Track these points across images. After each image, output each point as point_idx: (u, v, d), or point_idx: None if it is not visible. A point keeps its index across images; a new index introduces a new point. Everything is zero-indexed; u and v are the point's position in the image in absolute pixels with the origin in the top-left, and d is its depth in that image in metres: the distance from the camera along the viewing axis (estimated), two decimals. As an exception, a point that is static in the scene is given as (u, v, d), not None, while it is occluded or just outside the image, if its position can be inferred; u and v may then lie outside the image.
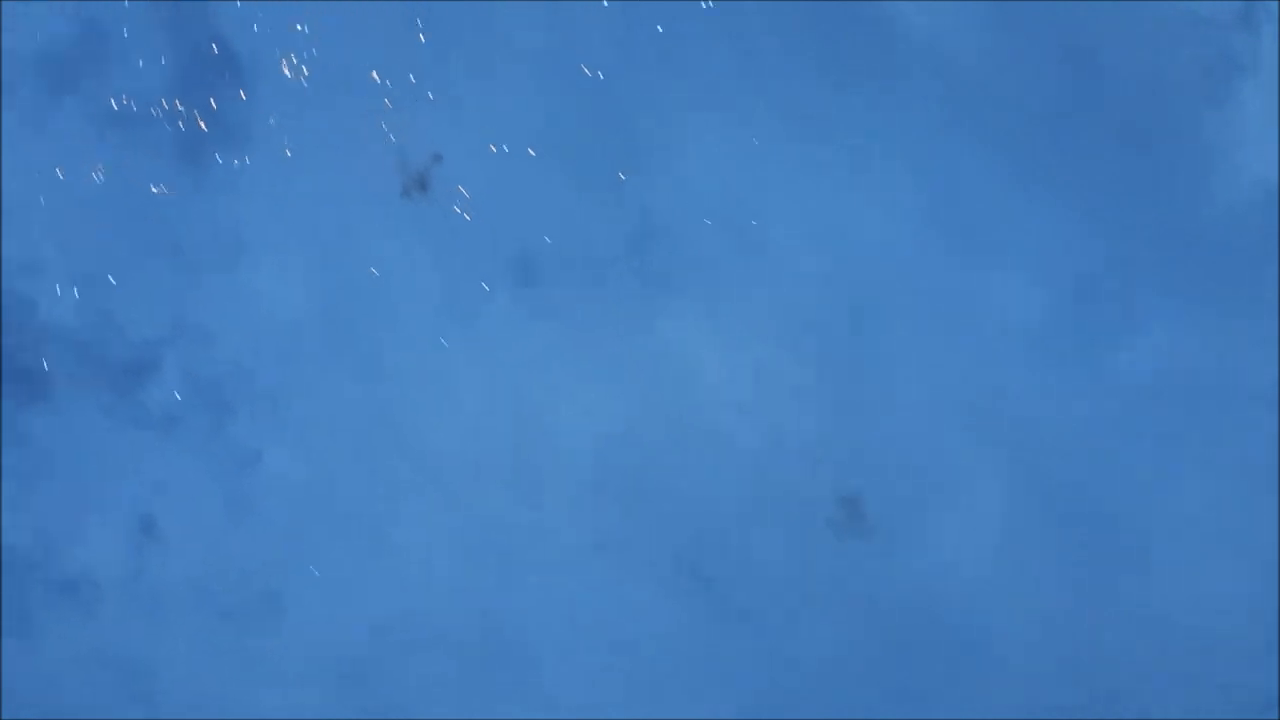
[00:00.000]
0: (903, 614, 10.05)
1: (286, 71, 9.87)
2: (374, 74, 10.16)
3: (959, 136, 10.58)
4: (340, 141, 10.20)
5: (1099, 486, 10.25)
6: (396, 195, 10.03)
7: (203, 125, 9.82)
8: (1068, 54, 10.64)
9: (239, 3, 10.23)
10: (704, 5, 10.37)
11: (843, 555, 10.04)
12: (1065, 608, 10.14)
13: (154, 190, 9.80)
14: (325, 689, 9.49)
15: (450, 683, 9.80)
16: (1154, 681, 9.89)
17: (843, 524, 10.10)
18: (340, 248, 9.96)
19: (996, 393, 10.37)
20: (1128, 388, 10.24)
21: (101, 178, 9.88)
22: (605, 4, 10.22)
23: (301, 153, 10.01)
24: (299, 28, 10.21)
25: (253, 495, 9.65)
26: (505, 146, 10.19)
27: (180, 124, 9.90)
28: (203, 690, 9.43)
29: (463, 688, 9.72)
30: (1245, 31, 10.52)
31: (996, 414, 10.30)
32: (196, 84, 9.98)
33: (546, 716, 9.56)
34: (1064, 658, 10.00)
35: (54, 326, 9.57)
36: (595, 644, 9.75)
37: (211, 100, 10.20)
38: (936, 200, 10.61)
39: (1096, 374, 10.33)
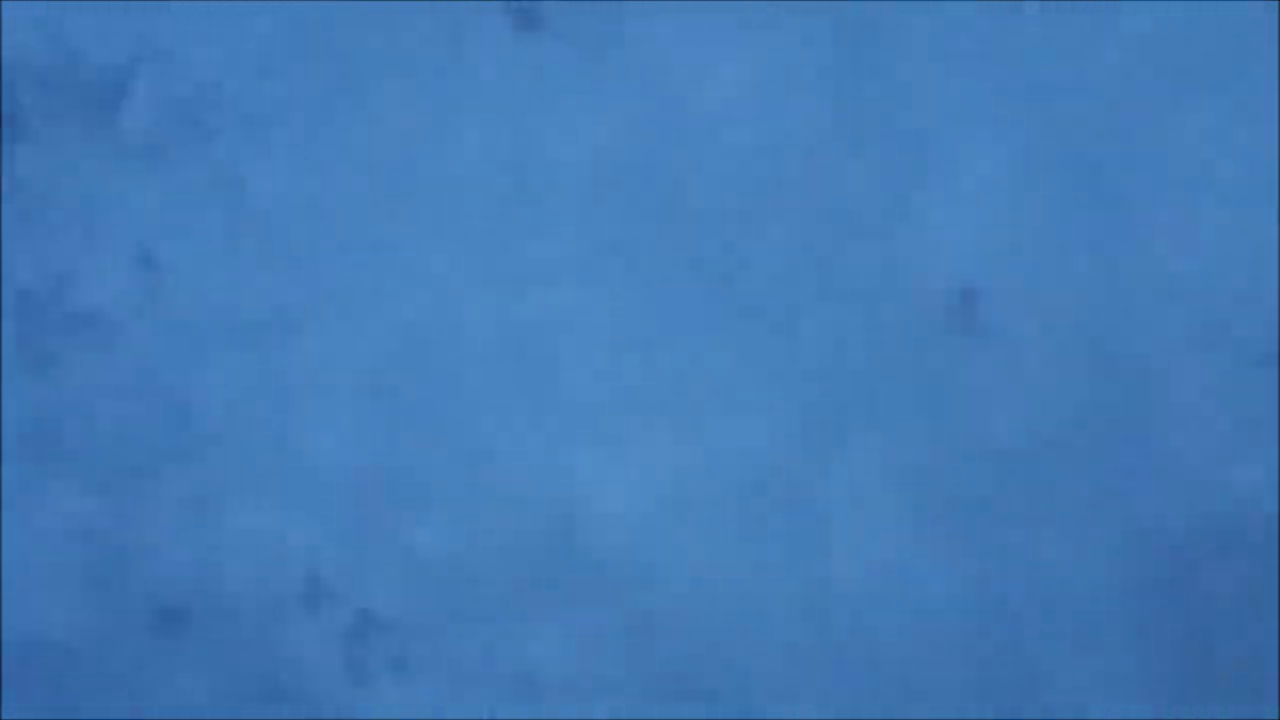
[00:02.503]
0: (912, 300, 10.21)
1: None
2: None
3: None
4: None
5: (1101, 141, 10.27)
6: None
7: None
8: None
9: None
10: None
11: (853, 239, 10.19)
12: (1068, 273, 10.32)
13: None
14: (353, 397, 9.77)
15: (469, 388, 10.09)
16: (1159, 340, 10.16)
17: (848, 210, 10.14)
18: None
19: (1001, 56, 10.18)
20: (1129, 37, 10.12)
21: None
22: None
23: None
24: None
25: (249, 218, 9.60)
26: None
27: None
28: (232, 407, 9.70)
29: (482, 393, 10.02)
30: None
31: (995, 76, 10.17)
32: None
33: (565, 417, 9.93)
34: (1070, 324, 10.24)
35: (14, 61, 9.15)
36: (613, 344, 10.00)
37: None
38: None
39: (1097, 26, 10.17)
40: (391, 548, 9.04)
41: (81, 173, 9.21)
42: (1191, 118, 10.15)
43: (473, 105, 9.81)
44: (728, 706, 9.06)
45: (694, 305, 9.93)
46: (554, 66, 9.47)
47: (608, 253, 9.83)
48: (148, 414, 9.17)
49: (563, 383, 9.62)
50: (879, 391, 9.74)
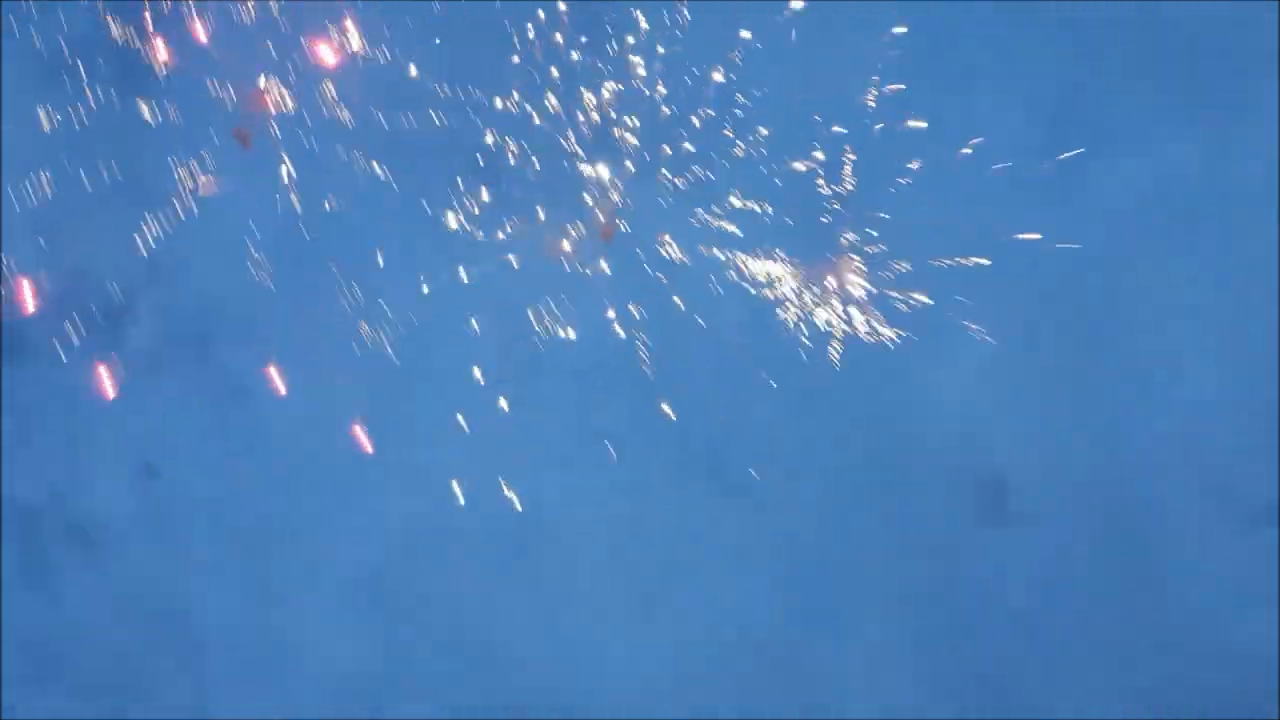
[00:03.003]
0: (906, 450, 10.18)
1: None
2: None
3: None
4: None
5: (1095, 305, 10.25)
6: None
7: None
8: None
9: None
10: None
11: (833, 390, 10.17)
12: (1067, 433, 10.32)
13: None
14: (350, 599, 9.60)
15: (464, 584, 9.92)
16: (1162, 496, 10.15)
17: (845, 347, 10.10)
18: (300, 160, 9.31)
19: (981, 227, 10.24)
20: (1118, 206, 10.16)
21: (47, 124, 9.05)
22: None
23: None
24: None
25: (248, 421, 9.39)
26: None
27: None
28: (227, 615, 9.48)
29: (478, 587, 9.85)
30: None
31: (981, 245, 10.20)
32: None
33: (564, 605, 9.80)
34: (1070, 480, 10.21)
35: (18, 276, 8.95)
36: (612, 526, 9.90)
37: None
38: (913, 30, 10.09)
39: (1084, 194, 10.21)
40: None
41: (84, 388, 8.95)
42: (1185, 280, 10.08)
43: (465, 299, 9.65)
44: None
45: (693, 486, 9.79)
46: (545, 262, 9.41)
47: (602, 436, 9.68)
48: (143, 624, 8.95)
49: (560, 570, 9.51)
50: (892, 565, 9.65)
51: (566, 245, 9.60)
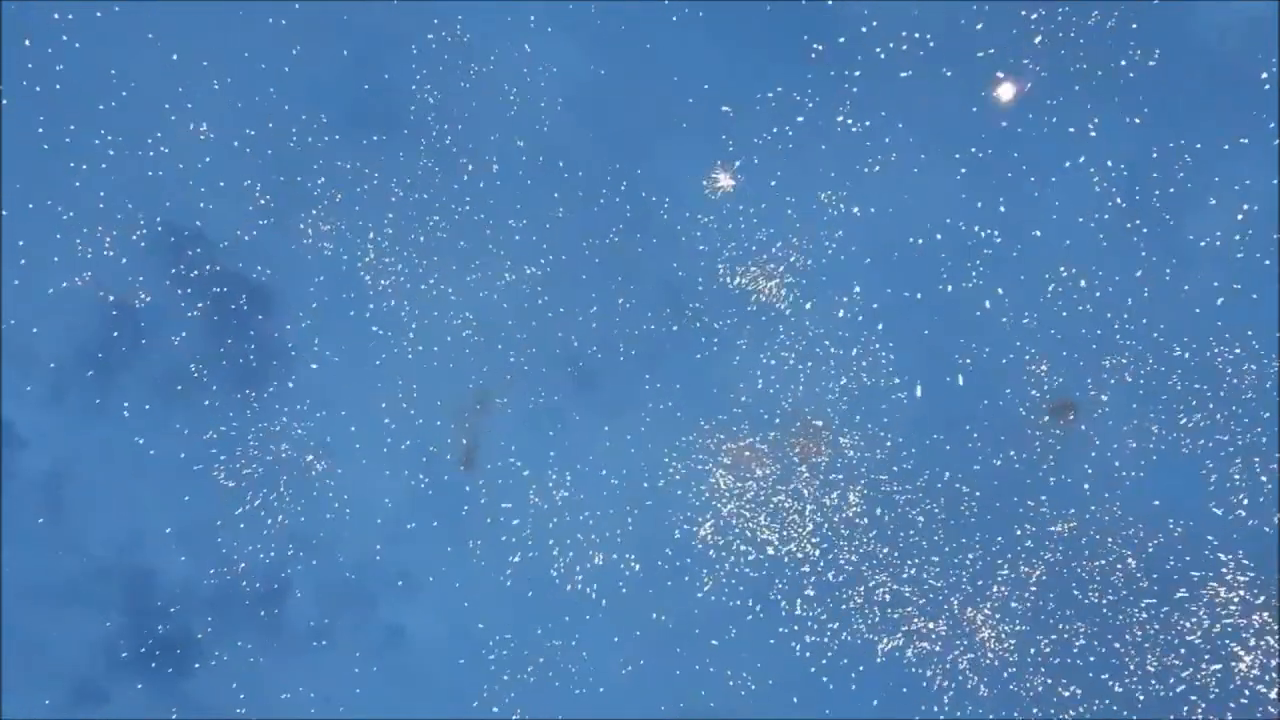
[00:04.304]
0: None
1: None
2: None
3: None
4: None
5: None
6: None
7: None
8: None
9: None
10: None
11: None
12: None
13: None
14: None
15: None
16: None
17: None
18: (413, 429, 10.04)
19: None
20: (1205, 249, 9.99)
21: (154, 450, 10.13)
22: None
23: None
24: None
25: (413, 667, 9.71)
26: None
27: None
28: None
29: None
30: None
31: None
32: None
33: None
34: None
35: (179, 588, 9.77)
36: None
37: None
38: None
39: (1175, 248, 10.12)
40: None
41: (259, 672, 9.53)
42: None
43: (588, 500, 9.86)
44: None
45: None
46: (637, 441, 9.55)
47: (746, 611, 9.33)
48: None
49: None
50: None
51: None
